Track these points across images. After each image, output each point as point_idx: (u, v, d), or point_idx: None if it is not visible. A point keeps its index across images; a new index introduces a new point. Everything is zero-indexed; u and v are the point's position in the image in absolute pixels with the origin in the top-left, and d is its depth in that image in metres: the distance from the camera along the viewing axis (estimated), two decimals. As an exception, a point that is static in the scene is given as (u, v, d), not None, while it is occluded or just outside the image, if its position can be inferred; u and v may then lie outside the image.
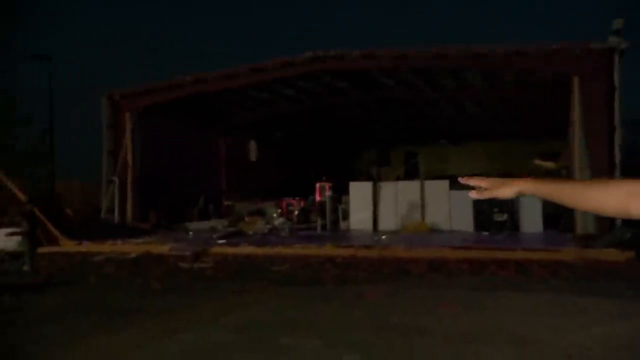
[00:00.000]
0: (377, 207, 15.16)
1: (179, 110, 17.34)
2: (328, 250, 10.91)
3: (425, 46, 13.33)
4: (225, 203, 18.95)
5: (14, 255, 12.37)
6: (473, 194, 1.23)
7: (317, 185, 17.47)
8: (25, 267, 9.62)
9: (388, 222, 14.71)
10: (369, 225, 14.92)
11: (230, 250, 11.48)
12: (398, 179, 17.47)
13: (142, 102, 15.83)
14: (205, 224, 16.08)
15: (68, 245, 13.98)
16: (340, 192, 16.16)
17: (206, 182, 18.81)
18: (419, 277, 7.91)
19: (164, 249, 11.90)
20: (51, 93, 20.91)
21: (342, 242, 11.99)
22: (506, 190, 1.17)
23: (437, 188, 14.23)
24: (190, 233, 14.86)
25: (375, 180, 17.14)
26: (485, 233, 12.99)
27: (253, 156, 20.90)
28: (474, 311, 5.49)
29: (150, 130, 16.21)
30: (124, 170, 15.55)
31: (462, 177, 1.26)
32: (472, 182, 1.22)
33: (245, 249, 11.47)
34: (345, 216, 15.68)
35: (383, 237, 12.59)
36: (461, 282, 7.35)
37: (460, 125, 21.56)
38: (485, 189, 1.20)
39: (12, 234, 14.18)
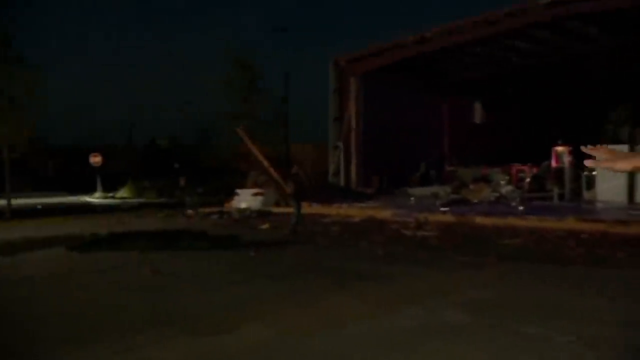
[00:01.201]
0: (633, 176, 12.58)
1: (400, 72, 17.08)
2: (570, 223, 9.55)
3: None
4: (448, 169, 18.23)
5: (260, 213, 14.19)
6: (589, 163, 1.33)
7: (554, 149, 15.39)
8: (291, 227, 10.23)
9: (647, 192, 12.17)
10: (621, 197, 12.54)
11: (453, 218, 10.90)
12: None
13: (366, 66, 16.06)
14: (426, 190, 15.73)
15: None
16: (582, 157, 13.88)
17: (428, 146, 18.39)
18: None
19: (386, 214, 12.02)
20: (287, 63, 22.92)
21: (588, 215, 10.33)
22: (623, 164, 1.25)
23: None
24: (412, 199, 14.75)
25: (631, 142, 14.25)
26: None
27: (478, 118, 19.55)
28: None
29: (373, 94, 16.42)
30: (348, 136, 16.19)
31: (589, 146, 1.32)
32: (593, 151, 1.30)
33: (471, 219, 10.74)
34: (590, 185, 13.50)
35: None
36: None
37: None
38: (604, 160, 1.28)
39: (256, 194, 16.36)
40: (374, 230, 10.09)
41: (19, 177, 20.19)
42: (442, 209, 12.34)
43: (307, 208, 14.33)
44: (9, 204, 14.58)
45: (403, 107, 17.46)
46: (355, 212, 12.73)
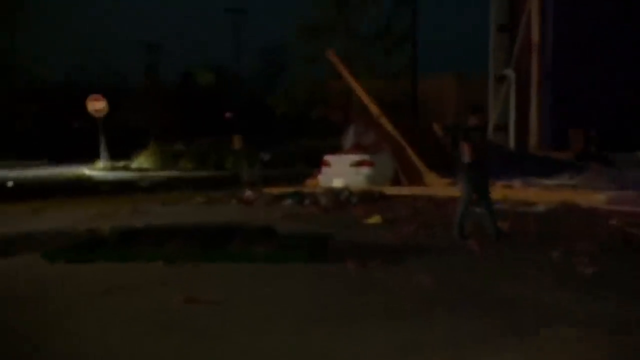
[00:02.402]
0: None
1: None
2: None
3: None
4: None
5: (365, 196, 14.03)
6: None
7: None
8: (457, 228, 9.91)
9: None
10: None
11: None
12: None
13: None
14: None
15: (435, 185, 14.99)
16: None
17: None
18: None
19: (597, 199, 11.87)
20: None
21: None
22: None
23: None
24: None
25: None
26: None
27: None
28: None
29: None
30: (525, 58, 15.56)
31: None
32: None
33: None
34: None
35: None
36: None
37: None
38: None
39: (360, 164, 16.17)
40: (574, 229, 9.83)
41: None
42: None
43: (446, 188, 13.96)
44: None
45: (630, 10, 16.24)
46: (537, 194, 12.77)
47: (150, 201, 15.34)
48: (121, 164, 30.79)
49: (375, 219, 11.34)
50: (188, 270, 7.66)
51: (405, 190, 15.14)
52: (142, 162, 30.53)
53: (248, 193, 15.51)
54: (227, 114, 29.07)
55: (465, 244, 8.80)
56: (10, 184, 20.58)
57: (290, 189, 15.88)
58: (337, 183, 15.91)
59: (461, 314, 5.78)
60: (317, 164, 18.00)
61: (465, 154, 8.87)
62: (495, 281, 6.93)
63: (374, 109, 17.93)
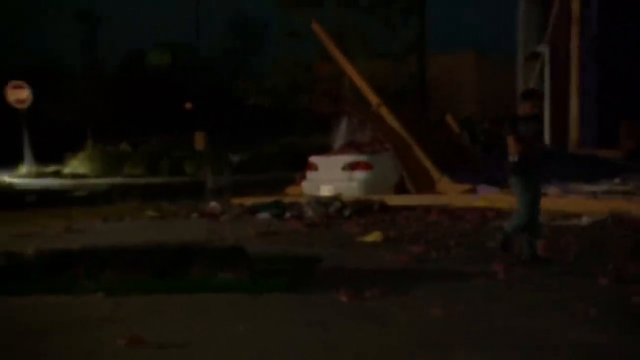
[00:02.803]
0: None
1: None
2: None
3: None
4: None
5: (361, 207, 14.00)
6: None
7: None
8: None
9: None
10: None
11: None
12: None
13: None
14: None
15: (450, 193, 14.99)
16: None
17: None
18: None
19: None
20: None
21: None
22: None
23: None
24: None
25: None
26: None
27: None
28: None
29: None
30: (562, 33, 15.56)
31: None
32: None
33: None
34: None
35: None
36: None
37: None
38: None
39: (354, 166, 16.12)
40: (627, 247, 9.81)
41: None
42: None
43: (465, 197, 13.97)
44: None
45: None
46: (579, 203, 12.86)
47: (88, 216, 15.24)
48: (51, 168, 30.64)
49: (374, 237, 11.28)
50: (134, 303, 7.59)
51: (412, 200, 15.12)
52: (77, 167, 30.42)
53: (213, 205, 15.47)
54: (188, 105, 28.99)
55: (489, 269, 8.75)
56: None
57: (266, 199, 15.79)
58: (326, 191, 15.88)
59: (483, 356, 5.79)
60: (300, 168, 17.97)
61: (512, 149, 8.71)
62: (525, 315, 6.89)
63: (372, 97, 17.90)
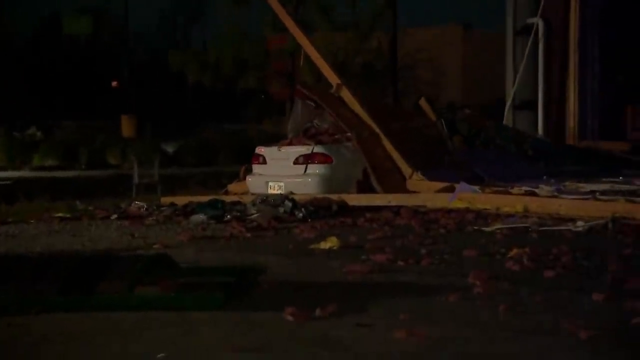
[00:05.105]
0: None
1: None
2: None
3: None
4: None
5: (316, 208, 14.03)
6: None
7: None
8: None
9: None
10: None
11: None
12: None
13: None
14: None
15: (422, 191, 15.08)
16: None
17: None
18: None
19: None
20: None
21: None
22: None
23: None
24: None
25: None
26: None
27: None
28: None
29: None
30: (559, 2, 15.70)
31: None
32: None
33: None
34: None
35: None
36: None
37: None
38: None
39: (307, 159, 16.16)
40: (631, 258, 9.82)
41: None
42: None
43: (437, 197, 14.11)
44: None
45: None
46: (575, 204, 12.94)
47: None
48: None
49: (330, 243, 11.19)
50: (33, 325, 7.32)
51: (378, 200, 15.14)
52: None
53: (137, 204, 15.39)
54: (113, 83, 28.99)
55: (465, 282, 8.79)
56: None
57: (204, 198, 15.81)
58: (275, 188, 16.01)
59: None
60: (246, 160, 17.95)
61: None
62: (506, 339, 6.89)
63: (332, 77, 17.93)
